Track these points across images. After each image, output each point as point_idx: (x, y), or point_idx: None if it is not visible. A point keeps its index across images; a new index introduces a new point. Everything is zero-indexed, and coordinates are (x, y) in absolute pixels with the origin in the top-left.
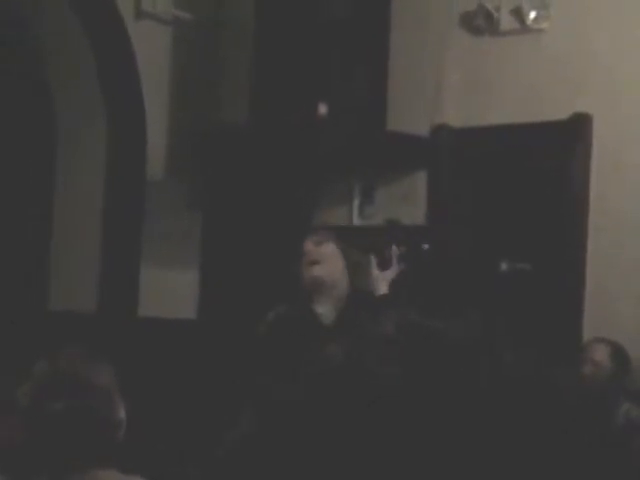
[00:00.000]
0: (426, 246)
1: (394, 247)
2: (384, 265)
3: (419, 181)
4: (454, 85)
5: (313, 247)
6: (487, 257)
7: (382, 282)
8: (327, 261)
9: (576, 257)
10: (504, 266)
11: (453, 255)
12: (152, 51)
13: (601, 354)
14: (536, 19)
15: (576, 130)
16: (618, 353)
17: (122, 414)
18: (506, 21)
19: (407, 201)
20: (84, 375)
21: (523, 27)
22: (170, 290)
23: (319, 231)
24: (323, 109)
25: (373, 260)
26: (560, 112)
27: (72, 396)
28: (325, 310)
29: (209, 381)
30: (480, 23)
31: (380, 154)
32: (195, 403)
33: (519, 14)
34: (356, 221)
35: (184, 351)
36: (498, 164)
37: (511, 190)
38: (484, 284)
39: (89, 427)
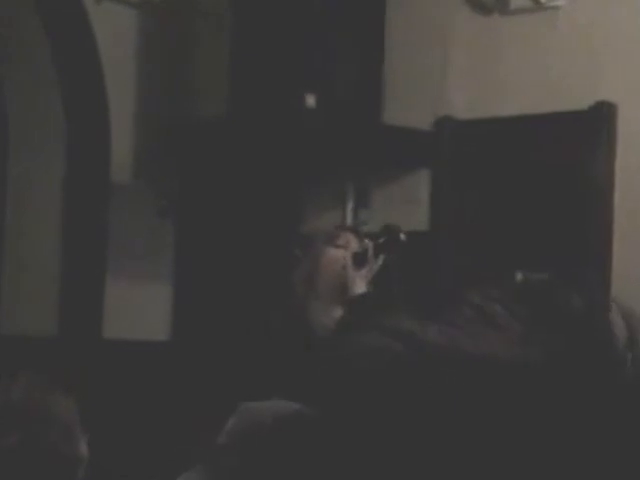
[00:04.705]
0: (403, 236)
1: (367, 241)
2: (359, 262)
3: (421, 181)
4: (459, 72)
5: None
6: (499, 267)
7: (359, 281)
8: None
9: (600, 265)
10: (519, 276)
11: (460, 264)
12: (116, 37)
13: None
14: None
15: (598, 121)
16: None
17: (83, 449)
18: None
19: (407, 204)
20: (40, 406)
21: (536, 4)
22: (139, 308)
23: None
24: (310, 100)
25: (348, 258)
26: (580, 101)
27: (26, 429)
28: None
29: (183, 411)
30: (488, 1)
31: (376, 151)
32: (166, 436)
33: None
34: (353, 226)
35: (155, 377)
36: (510, 161)
37: (525, 190)
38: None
39: (45, 464)
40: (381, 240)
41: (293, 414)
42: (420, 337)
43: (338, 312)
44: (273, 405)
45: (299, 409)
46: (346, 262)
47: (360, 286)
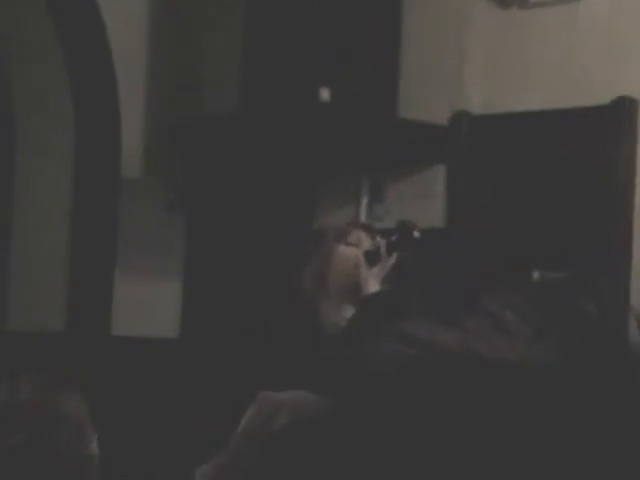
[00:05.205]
0: (417, 233)
1: (379, 238)
2: (372, 260)
3: (436, 176)
4: (476, 66)
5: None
6: (516, 264)
7: (372, 280)
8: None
9: (619, 265)
10: (536, 275)
11: (474, 260)
12: (126, 29)
13: None
14: None
15: (620, 116)
16: None
17: (94, 448)
18: None
19: (423, 200)
20: (49, 404)
21: None
22: (148, 305)
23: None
24: (325, 94)
25: (360, 256)
26: (601, 96)
27: (34, 428)
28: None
29: (191, 408)
30: None
31: (391, 145)
32: (175, 433)
33: None
34: (365, 223)
35: (164, 375)
36: (528, 156)
37: (544, 186)
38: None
39: (55, 463)
40: (394, 238)
41: (312, 404)
42: (435, 343)
43: (349, 311)
44: (292, 395)
45: (318, 400)
46: (358, 260)
47: (373, 285)
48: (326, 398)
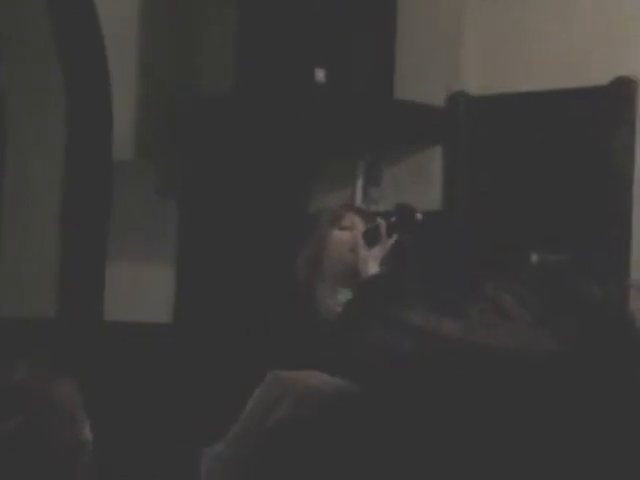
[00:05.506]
0: (419, 215)
1: (379, 219)
2: (371, 241)
3: (433, 158)
4: (473, 44)
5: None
6: (514, 247)
7: (371, 261)
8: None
9: (619, 246)
10: (535, 258)
11: (473, 245)
12: (117, 9)
13: None
14: None
15: (619, 97)
16: None
17: (87, 434)
18: None
19: (419, 182)
20: (42, 390)
21: None
22: (141, 290)
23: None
24: (320, 75)
25: (359, 237)
26: (600, 76)
27: (27, 414)
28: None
29: (187, 395)
30: None
31: (387, 127)
32: (171, 421)
33: None
34: (359, 206)
35: (158, 361)
36: (526, 138)
37: (542, 168)
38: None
39: (47, 449)
40: (394, 219)
41: (325, 384)
42: (436, 333)
43: (346, 295)
44: (303, 374)
45: (330, 379)
46: (352, 244)
47: (372, 266)
48: (338, 379)
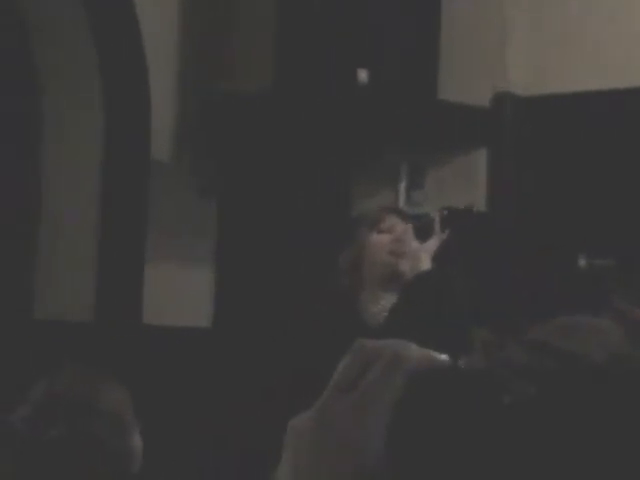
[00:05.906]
0: (474, 207)
1: (433, 213)
2: (423, 234)
3: (478, 161)
4: (521, 42)
5: (402, 233)
6: (562, 251)
7: (423, 256)
8: (410, 255)
9: None
10: (582, 262)
11: (520, 249)
12: (155, 8)
13: None
14: None
15: None
16: None
17: (136, 441)
18: None
19: (463, 184)
20: (88, 397)
21: None
22: (180, 293)
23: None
24: (363, 75)
25: (410, 229)
26: None
27: (75, 421)
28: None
29: (227, 401)
30: None
31: (431, 128)
32: (211, 427)
33: None
34: (402, 208)
35: (197, 365)
36: (576, 140)
37: (591, 171)
38: (557, 283)
39: (94, 457)
40: (446, 212)
41: (413, 354)
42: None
43: (390, 300)
44: (391, 344)
45: (418, 348)
46: (391, 247)
47: (425, 260)
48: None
